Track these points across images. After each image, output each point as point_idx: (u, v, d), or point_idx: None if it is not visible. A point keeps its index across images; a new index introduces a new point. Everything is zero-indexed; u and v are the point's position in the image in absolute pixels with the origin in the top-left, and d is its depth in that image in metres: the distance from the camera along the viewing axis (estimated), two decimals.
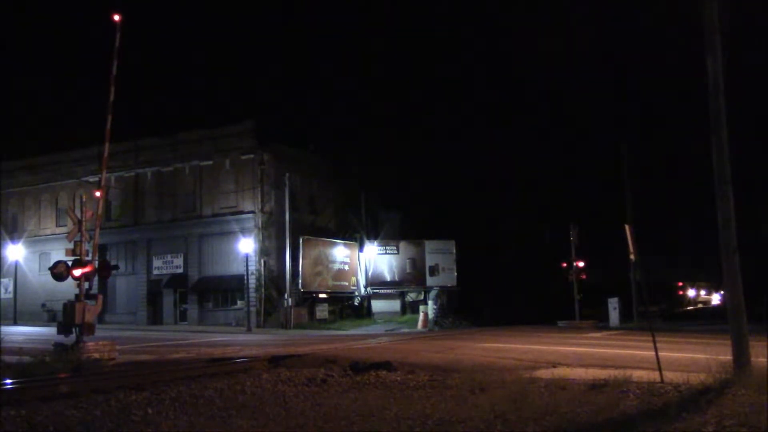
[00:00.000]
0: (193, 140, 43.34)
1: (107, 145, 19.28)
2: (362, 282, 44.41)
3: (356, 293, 44.49)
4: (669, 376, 10.33)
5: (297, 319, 37.85)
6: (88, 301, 17.22)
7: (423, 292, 44.81)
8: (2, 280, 48.05)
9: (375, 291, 44.49)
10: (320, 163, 44.74)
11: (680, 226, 56.74)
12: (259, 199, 40.72)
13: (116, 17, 19.15)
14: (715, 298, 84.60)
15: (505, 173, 53.14)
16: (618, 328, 33.25)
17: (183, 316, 42.58)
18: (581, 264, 39.75)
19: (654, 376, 10.39)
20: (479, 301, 43.61)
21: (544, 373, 11.85)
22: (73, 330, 16.87)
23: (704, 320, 43.41)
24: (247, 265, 37.98)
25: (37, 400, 9.32)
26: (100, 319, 30.07)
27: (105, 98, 19.07)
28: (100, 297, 18.40)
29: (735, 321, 10.58)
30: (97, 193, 20.66)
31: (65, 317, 17.01)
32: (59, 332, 17.16)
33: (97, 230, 19.55)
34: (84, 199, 20.09)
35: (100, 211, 20.24)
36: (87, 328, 16.58)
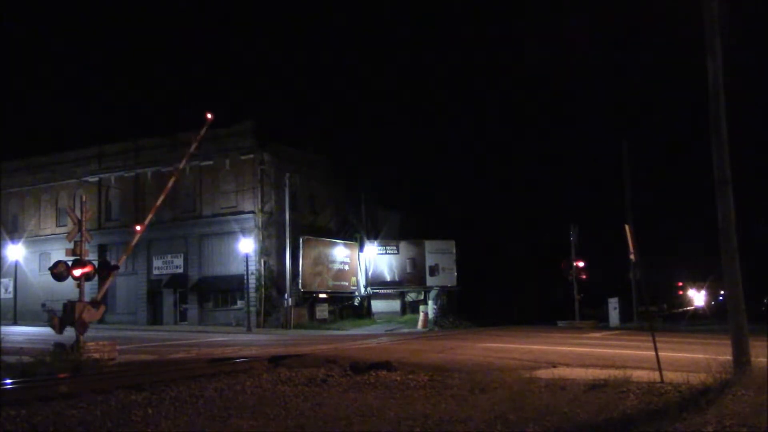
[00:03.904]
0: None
1: (166, 193, 20.63)
2: (362, 282, 44.38)
3: (356, 293, 44.47)
4: (669, 376, 10.33)
5: (297, 319, 37.84)
6: (92, 307, 17.28)
7: (423, 292, 44.80)
8: (2, 280, 48.01)
9: (375, 291, 44.48)
10: (320, 163, 44.72)
11: (680, 226, 56.75)
12: (259, 199, 40.71)
13: (209, 116, 22.51)
14: (699, 298, 68.65)
15: (505, 173, 53.24)
16: (618, 328, 33.25)
17: (183, 316, 42.56)
18: (581, 264, 39.74)
19: (654, 376, 10.38)
20: (479, 301, 43.63)
21: (544, 373, 11.84)
22: (65, 328, 16.96)
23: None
24: (247, 265, 37.97)
25: (37, 400, 9.31)
26: (101, 319, 30.00)
27: (105, 98, 19.44)
28: (103, 307, 18.53)
29: (735, 321, 10.56)
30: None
31: (64, 316, 17.05)
32: (51, 325, 17.22)
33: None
34: (84, 199, 20.10)
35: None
36: (80, 325, 16.60)
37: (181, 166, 23.27)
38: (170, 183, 21.36)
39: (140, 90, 77.76)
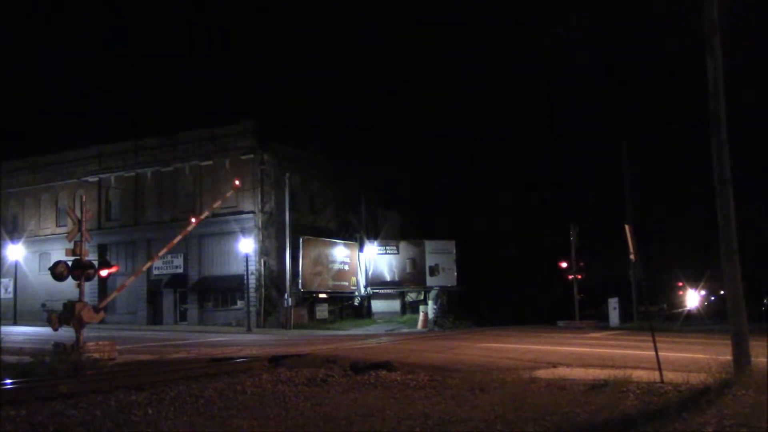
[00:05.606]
0: (193, 140, 43.32)
1: (184, 234, 21.61)
2: (362, 282, 44.39)
3: (356, 293, 44.47)
4: (669, 376, 10.33)
5: (297, 319, 37.83)
6: (92, 309, 17.31)
7: (423, 292, 44.80)
8: (2, 280, 47.99)
9: (375, 291, 44.47)
10: (320, 163, 44.72)
11: (680, 225, 56.72)
12: (259, 199, 40.71)
13: (237, 182, 24.26)
14: (693, 298, 62.26)
15: (505, 173, 53.25)
16: (618, 328, 33.23)
17: (183, 316, 42.55)
18: (581, 264, 39.72)
19: (654, 376, 10.38)
20: (479, 301, 43.59)
21: (544, 373, 11.84)
22: (62, 327, 17.03)
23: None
24: (247, 265, 37.96)
25: (37, 400, 9.30)
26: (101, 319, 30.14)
27: (105, 98, 19.49)
28: (102, 312, 18.58)
29: (735, 321, 10.56)
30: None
31: (63, 314, 17.08)
32: (48, 319, 17.27)
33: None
34: (84, 199, 20.10)
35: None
36: (78, 322, 16.63)
37: (202, 216, 23.95)
38: (190, 227, 21.87)
39: (140, 90, 77.77)
